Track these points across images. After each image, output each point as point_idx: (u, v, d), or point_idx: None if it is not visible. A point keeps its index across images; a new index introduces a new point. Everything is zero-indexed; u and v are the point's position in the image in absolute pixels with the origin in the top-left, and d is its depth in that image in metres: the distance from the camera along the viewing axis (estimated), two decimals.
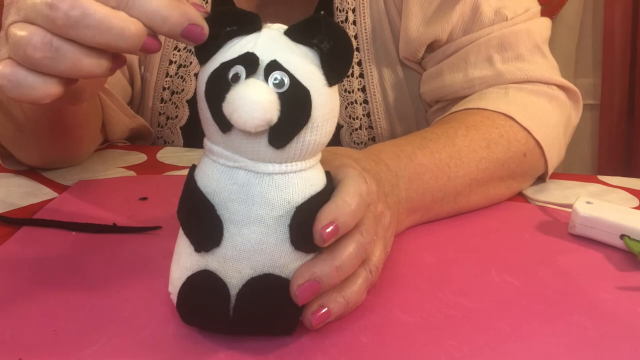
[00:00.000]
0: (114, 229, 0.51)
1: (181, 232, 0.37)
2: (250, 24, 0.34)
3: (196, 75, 0.33)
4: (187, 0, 0.35)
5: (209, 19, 0.34)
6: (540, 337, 0.38)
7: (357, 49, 0.72)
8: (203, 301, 0.35)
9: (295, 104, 0.32)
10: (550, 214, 0.57)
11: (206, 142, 0.35)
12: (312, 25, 0.33)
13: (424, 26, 0.66)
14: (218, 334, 0.37)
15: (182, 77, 0.75)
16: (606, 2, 1.54)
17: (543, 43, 0.66)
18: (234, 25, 0.34)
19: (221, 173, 0.34)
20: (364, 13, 0.71)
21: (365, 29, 0.71)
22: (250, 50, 0.33)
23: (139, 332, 0.37)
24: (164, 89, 0.76)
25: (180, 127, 0.76)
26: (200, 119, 0.35)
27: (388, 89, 0.72)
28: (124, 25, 0.33)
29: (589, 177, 0.68)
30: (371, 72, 0.71)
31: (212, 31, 0.34)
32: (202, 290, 0.35)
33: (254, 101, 0.31)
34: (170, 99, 0.76)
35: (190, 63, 0.75)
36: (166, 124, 0.77)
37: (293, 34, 0.34)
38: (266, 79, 0.32)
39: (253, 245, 0.34)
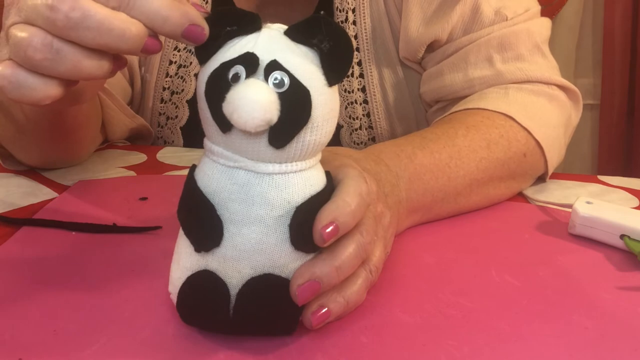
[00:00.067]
0: (114, 229, 0.51)
1: (181, 232, 0.37)
2: (250, 24, 0.34)
3: (196, 75, 0.33)
4: (187, 0, 0.35)
5: (208, 19, 0.34)
6: (540, 337, 0.38)
7: (357, 49, 0.72)
8: (203, 301, 0.35)
9: (295, 104, 0.32)
10: (550, 214, 0.57)
11: (206, 142, 0.35)
12: (312, 25, 0.33)
13: (424, 26, 0.66)
14: (218, 334, 0.37)
15: (182, 77, 0.75)
16: (606, 2, 1.54)
17: (543, 43, 0.66)
18: (233, 25, 0.34)
19: (221, 173, 0.34)
20: (364, 13, 0.71)
21: (365, 29, 0.71)
22: (250, 50, 0.33)
23: (139, 332, 0.37)
24: (164, 89, 0.76)
25: (180, 127, 0.76)
26: (200, 119, 0.35)
27: (388, 89, 0.72)
28: (125, 26, 0.33)
29: (589, 177, 0.68)
30: (371, 72, 0.71)
31: (212, 31, 0.34)
32: (202, 290, 0.35)
33: (254, 101, 0.31)
34: (170, 99, 0.76)
35: (190, 63, 0.75)
36: (166, 124, 0.77)
37: (293, 34, 0.34)
38: (266, 79, 0.32)
39: (253, 245, 0.34)
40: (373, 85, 0.72)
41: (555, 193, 0.62)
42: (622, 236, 0.49)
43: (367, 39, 0.71)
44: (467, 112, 0.61)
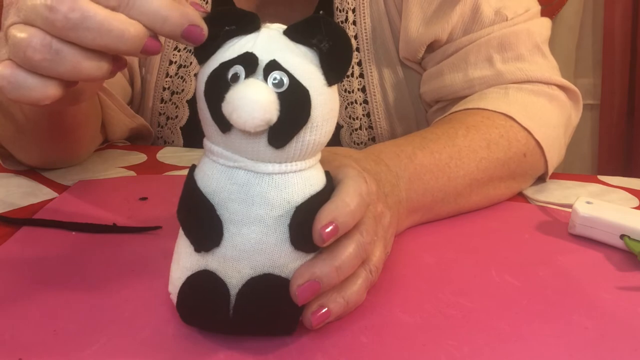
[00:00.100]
0: (114, 229, 0.51)
1: (181, 232, 0.37)
2: (249, 24, 0.34)
3: (196, 75, 0.33)
4: (186, 0, 0.35)
5: (207, 19, 0.34)
6: (540, 337, 0.38)
7: (357, 49, 0.72)
8: (203, 301, 0.35)
9: (294, 104, 0.32)
10: (550, 214, 0.57)
11: (206, 142, 0.35)
12: (311, 25, 0.33)
13: (424, 26, 0.66)
14: (218, 334, 0.37)
15: (182, 77, 0.75)
16: (606, 2, 1.54)
17: (543, 43, 0.66)
18: (232, 25, 0.34)
19: (221, 173, 0.34)
20: (364, 13, 0.71)
21: (365, 29, 0.71)
22: (250, 50, 0.33)
23: (139, 332, 0.37)
24: (164, 89, 0.76)
25: (180, 127, 0.77)
26: (200, 119, 0.35)
27: (388, 89, 0.72)
28: (124, 27, 0.33)
29: (589, 177, 0.68)
30: (371, 72, 0.71)
31: (211, 31, 0.34)
32: (202, 290, 0.35)
33: (254, 101, 0.31)
34: (170, 99, 0.76)
35: (191, 63, 0.75)
36: (166, 124, 0.77)
37: (292, 34, 0.34)
38: (265, 78, 0.32)
39: (253, 245, 0.34)
40: (373, 86, 0.72)
41: (555, 193, 0.62)
42: (622, 236, 0.49)
43: (367, 39, 0.71)
44: (467, 112, 0.61)
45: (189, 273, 0.36)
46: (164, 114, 0.77)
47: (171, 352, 0.36)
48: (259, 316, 0.35)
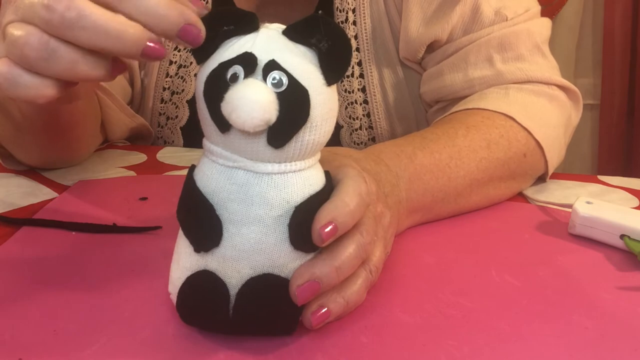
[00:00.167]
0: (114, 229, 0.51)
1: (181, 232, 0.37)
2: (248, 24, 0.34)
3: (196, 75, 0.33)
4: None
5: (206, 19, 0.34)
6: (540, 337, 0.38)
7: (357, 49, 0.72)
8: (203, 301, 0.35)
9: (293, 104, 0.32)
10: (550, 214, 0.57)
11: (205, 142, 0.35)
12: (310, 25, 0.33)
13: (424, 26, 0.66)
14: (218, 334, 0.37)
15: (182, 77, 0.75)
16: (606, 2, 1.54)
17: (543, 43, 0.66)
18: (231, 25, 0.34)
19: (220, 173, 0.34)
20: (364, 13, 0.71)
21: (365, 29, 0.71)
22: (249, 50, 0.33)
23: (139, 332, 0.37)
24: (164, 89, 0.76)
25: (181, 128, 0.77)
26: (199, 119, 0.35)
27: (388, 89, 0.72)
28: (122, 27, 0.33)
29: (589, 177, 0.68)
30: (371, 72, 0.71)
31: (209, 31, 0.34)
32: (202, 291, 0.35)
33: (253, 101, 0.31)
34: (170, 99, 0.76)
35: (191, 63, 0.75)
36: (166, 124, 0.77)
37: (291, 34, 0.34)
38: (264, 78, 0.32)
39: (252, 245, 0.34)
40: (373, 86, 0.72)
41: (555, 193, 0.62)
42: (622, 236, 0.49)
43: (367, 39, 0.71)
44: (467, 112, 0.61)
45: (188, 273, 0.36)
46: (164, 114, 0.77)
47: (171, 352, 0.36)
48: (258, 316, 0.35)
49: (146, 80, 0.77)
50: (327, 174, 0.37)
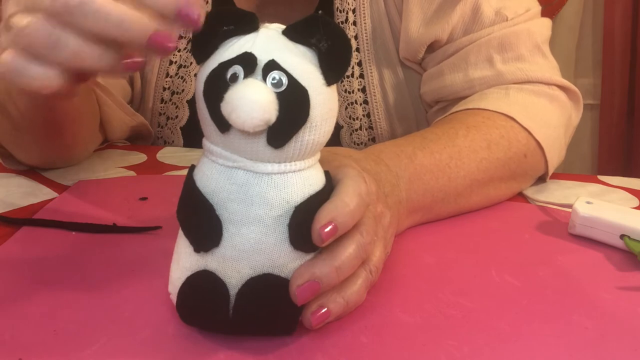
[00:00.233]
0: (114, 229, 0.51)
1: (181, 232, 0.37)
2: (248, 24, 0.34)
3: (196, 75, 0.33)
4: None
5: (206, 19, 0.34)
6: (540, 337, 0.38)
7: (358, 50, 0.72)
8: (203, 301, 0.35)
9: (293, 104, 0.32)
10: (550, 214, 0.57)
11: (205, 142, 0.35)
12: (310, 25, 0.33)
13: (425, 26, 0.66)
14: (218, 334, 0.37)
15: (182, 77, 0.75)
16: (606, 2, 1.54)
17: (543, 43, 0.66)
18: (231, 25, 0.34)
19: (220, 173, 0.34)
20: (364, 14, 0.71)
21: (365, 30, 0.71)
22: (248, 50, 0.33)
23: (139, 332, 0.37)
24: (164, 89, 0.76)
25: (181, 128, 0.77)
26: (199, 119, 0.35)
27: (388, 90, 0.72)
28: (125, 14, 0.33)
29: (589, 177, 0.68)
30: (371, 72, 0.71)
31: (209, 30, 0.34)
32: (202, 291, 0.35)
33: (253, 101, 0.31)
34: (170, 99, 0.76)
35: (191, 63, 0.75)
36: (166, 124, 0.77)
37: (291, 34, 0.34)
38: (264, 78, 0.32)
39: (252, 245, 0.34)
40: (373, 86, 0.72)
41: (555, 193, 0.62)
42: (622, 236, 0.49)
43: (367, 40, 0.71)
44: (467, 113, 0.61)
45: (188, 273, 0.36)
46: (164, 114, 0.77)
47: (171, 352, 0.36)
48: (258, 316, 0.35)
49: (148, 77, 0.76)
50: (327, 174, 0.37)
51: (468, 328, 0.39)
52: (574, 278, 0.46)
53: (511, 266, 0.47)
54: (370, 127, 0.73)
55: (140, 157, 0.71)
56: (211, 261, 0.35)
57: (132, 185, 0.62)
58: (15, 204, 0.56)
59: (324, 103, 0.34)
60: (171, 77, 0.76)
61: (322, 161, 0.37)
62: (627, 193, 0.63)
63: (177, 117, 0.76)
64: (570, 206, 0.53)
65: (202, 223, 0.35)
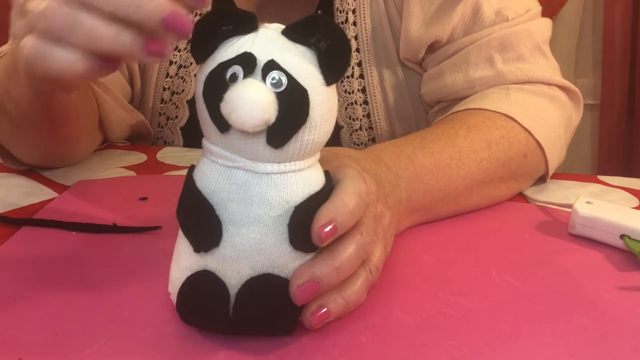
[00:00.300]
0: (114, 229, 0.51)
1: (181, 232, 0.37)
2: (248, 24, 0.34)
3: (196, 75, 0.34)
4: None
5: (205, 19, 0.34)
6: (540, 337, 0.38)
7: (358, 50, 0.72)
8: (202, 301, 0.35)
9: (293, 104, 0.32)
10: (550, 214, 0.57)
11: (205, 142, 0.35)
12: (309, 25, 0.33)
13: (425, 27, 0.66)
14: (218, 334, 0.37)
15: (182, 77, 0.75)
16: (606, 2, 1.54)
17: (544, 43, 0.66)
18: (230, 25, 0.34)
19: (220, 173, 0.34)
20: (364, 14, 0.71)
21: (365, 30, 0.71)
22: (248, 50, 0.33)
23: (139, 332, 0.37)
24: (164, 89, 0.76)
25: (181, 128, 0.77)
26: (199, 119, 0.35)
27: (388, 90, 0.72)
28: None
29: (589, 177, 0.68)
30: (371, 73, 0.71)
31: (209, 30, 0.34)
32: (202, 291, 0.35)
33: (252, 101, 0.31)
34: (170, 100, 0.76)
35: (191, 64, 0.75)
36: (166, 125, 0.77)
37: (291, 34, 0.34)
38: (264, 78, 0.32)
39: (252, 245, 0.34)
40: (373, 86, 0.72)
41: (555, 193, 0.62)
42: (622, 236, 0.49)
43: (367, 40, 0.71)
44: (468, 113, 0.61)
45: (188, 273, 0.36)
46: (164, 114, 0.77)
47: (171, 352, 0.36)
48: (258, 316, 0.35)
49: (148, 77, 0.76)
50: (327, 174, 0.37)
51: (468, 328, 0.39)
52: (574, 278, 0.46)
53: (511, 266, 0.47)
54: (370, 128, 0.73)
55: (140, 157, 0.71)
56: (211, 261, 0.35)
57: (132, 185, 0.62)
58: (15, 204, 0.56)
59: (324, 103, 0.34)
60: (171, 77, 0.76)
61: (322, 161, 0.37)
62: (627, 193, 0.63)
63: (177, 117, 0.76)
64: (570, 206, 0.53)
65: (202, 223, 0.35)
